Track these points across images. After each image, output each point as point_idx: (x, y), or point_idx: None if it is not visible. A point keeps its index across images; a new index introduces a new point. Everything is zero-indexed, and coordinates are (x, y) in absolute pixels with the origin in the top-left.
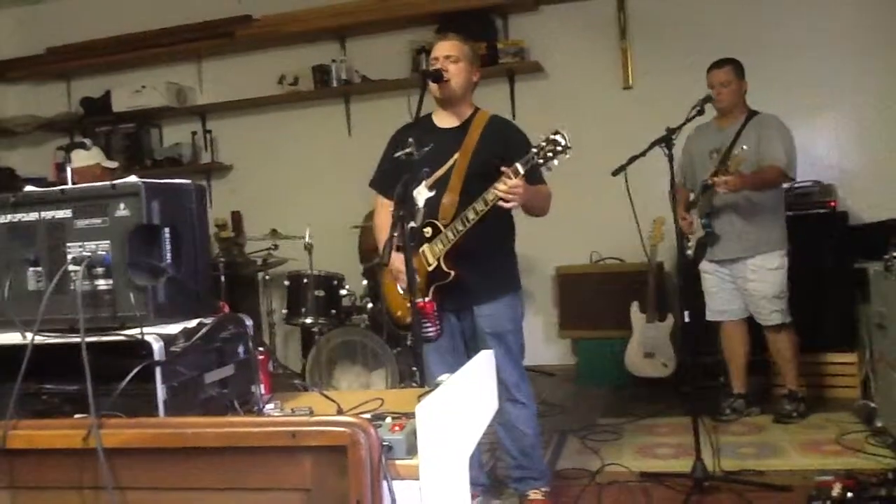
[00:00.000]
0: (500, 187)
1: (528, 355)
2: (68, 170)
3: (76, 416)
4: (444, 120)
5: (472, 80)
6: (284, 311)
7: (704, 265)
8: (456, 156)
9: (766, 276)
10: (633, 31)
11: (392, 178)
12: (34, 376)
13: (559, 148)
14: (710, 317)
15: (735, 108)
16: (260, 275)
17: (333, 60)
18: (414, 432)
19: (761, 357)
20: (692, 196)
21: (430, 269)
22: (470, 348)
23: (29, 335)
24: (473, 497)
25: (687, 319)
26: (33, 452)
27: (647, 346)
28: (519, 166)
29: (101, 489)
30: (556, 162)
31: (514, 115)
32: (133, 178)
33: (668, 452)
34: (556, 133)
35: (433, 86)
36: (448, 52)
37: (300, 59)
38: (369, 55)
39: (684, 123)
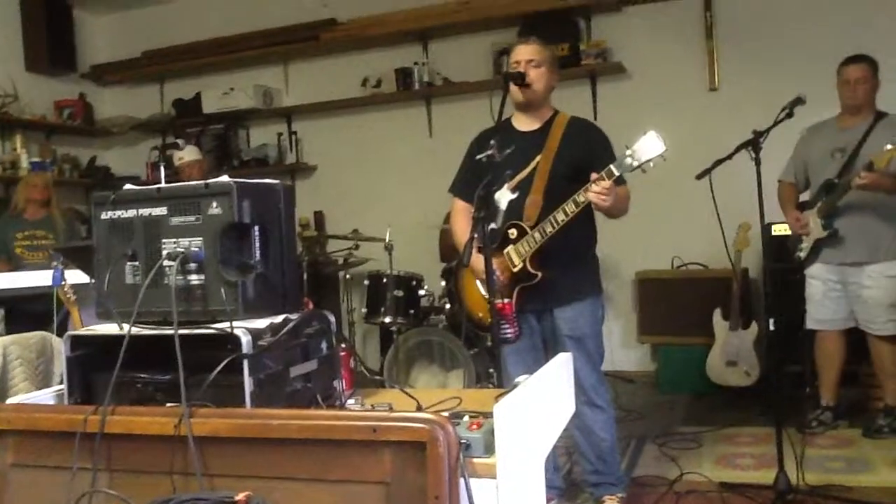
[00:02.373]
0: (595, 189)
1: (606, 360)
2: (161, 169)
3: (169, 404)
4: (525, 123)
5: (553, 84)
6: (364, 309)
7: (813, 269)
8: (538, 158)
9: (883, 284)
10: (719, 31)
11: (472, 182)
12: (131, 365)
13: (655, 152)
14: (811, 325)
15: (865, 108)
16: (341, 274)
17: (416, 63)
18: (492, 431)
19: (855, 368)
20: (806, 195)
21: (516, 270)
22: (549, 350)
23: (126, 326)
24: (549, 500)
25: (772, 328)
26: (130, 437)
27: (730, 353)
28: (613, 168)
29: (191, 475)
30: (651, 164)
31: (595, 117)
32: (225, 178)
33: (749, 463)
34: (649, 135)
35: (514, 89)
36: (530, 56)
37: (383, 61)
38: (451, 57)
39: (773, 126)
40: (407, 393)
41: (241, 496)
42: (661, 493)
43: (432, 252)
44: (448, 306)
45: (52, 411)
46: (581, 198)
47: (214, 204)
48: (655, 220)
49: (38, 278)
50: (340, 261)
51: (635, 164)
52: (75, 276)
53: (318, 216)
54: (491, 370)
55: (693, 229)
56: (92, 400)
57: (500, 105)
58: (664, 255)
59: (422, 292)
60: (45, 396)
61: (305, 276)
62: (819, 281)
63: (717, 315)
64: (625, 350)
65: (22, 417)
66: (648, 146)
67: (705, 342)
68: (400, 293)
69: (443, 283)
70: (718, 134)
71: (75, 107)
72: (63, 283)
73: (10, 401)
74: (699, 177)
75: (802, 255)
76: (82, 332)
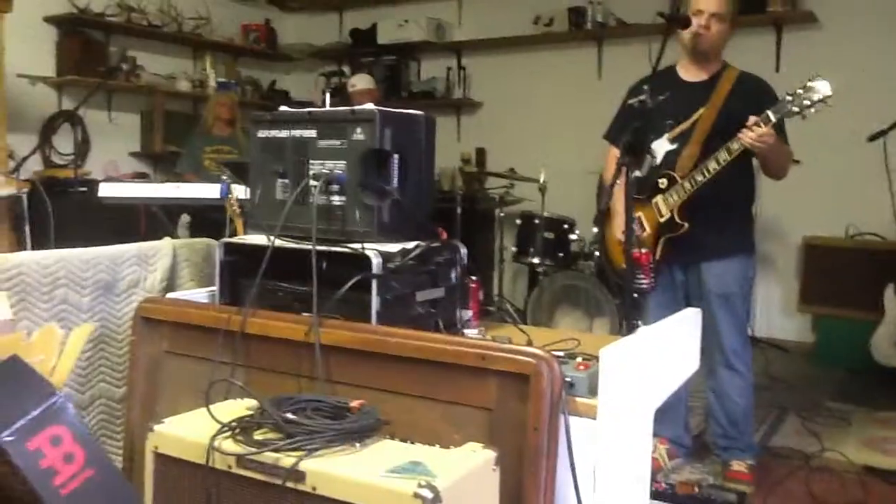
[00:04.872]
0: (749, 135)
1: (763, 326)
2: (326, 95)
3: (304, 313)
4: (691, 73)
5: (728, 38)
6: (514, 248)
7: None
8: (702, 110)
9: None
10: None
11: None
12: (274, 275)
13: (817, 97)
14: None
15: None
16: (496, 211)
17: (590, 2)
18: (597, 373)
19: None
20: None
21: (663, 220)
22: (693, 306)
23: (271, 238)
24: (674, 457)
25: None
26: (266, 339)
27: None
28: (770, 114)
29: (315, 379)
30: (812, 110)
31: (777, 69)
32: (370, 106)
33: None
34: (814, 79)
35: (685, 36)
36: (716, 10)
37: None
38: None
39: None
40: (520, 328)
41: (355, 403)
42: (795, 466)
43: (588, 196)
44: (597, 253)
45: (202, 308)
46: (735, 145)
47: (359, 130)
48: (831, 183)
49: (212, 190)
50: (497, 198)
51: (794, 108)
52: (242, 190)
53: (480, 152)
54: (625, 322)
55: (872, 196)
56: (239, 302)
57: (660, 49)
58: (837, 220)
59: (573, 237)
60: (200, 295)
61: (460, 210)
62: None
63: (889, 291)
64: (783, 317)
65: (176, 310)
66: (812, 91)
67: (872, 318)
68: (550, 235)
69: (595, 230)
70: None
71: (260, 31)
72: (229, 195)
73: (169, 295)
74: (872, 138)
75: None
76: (234, 239)
